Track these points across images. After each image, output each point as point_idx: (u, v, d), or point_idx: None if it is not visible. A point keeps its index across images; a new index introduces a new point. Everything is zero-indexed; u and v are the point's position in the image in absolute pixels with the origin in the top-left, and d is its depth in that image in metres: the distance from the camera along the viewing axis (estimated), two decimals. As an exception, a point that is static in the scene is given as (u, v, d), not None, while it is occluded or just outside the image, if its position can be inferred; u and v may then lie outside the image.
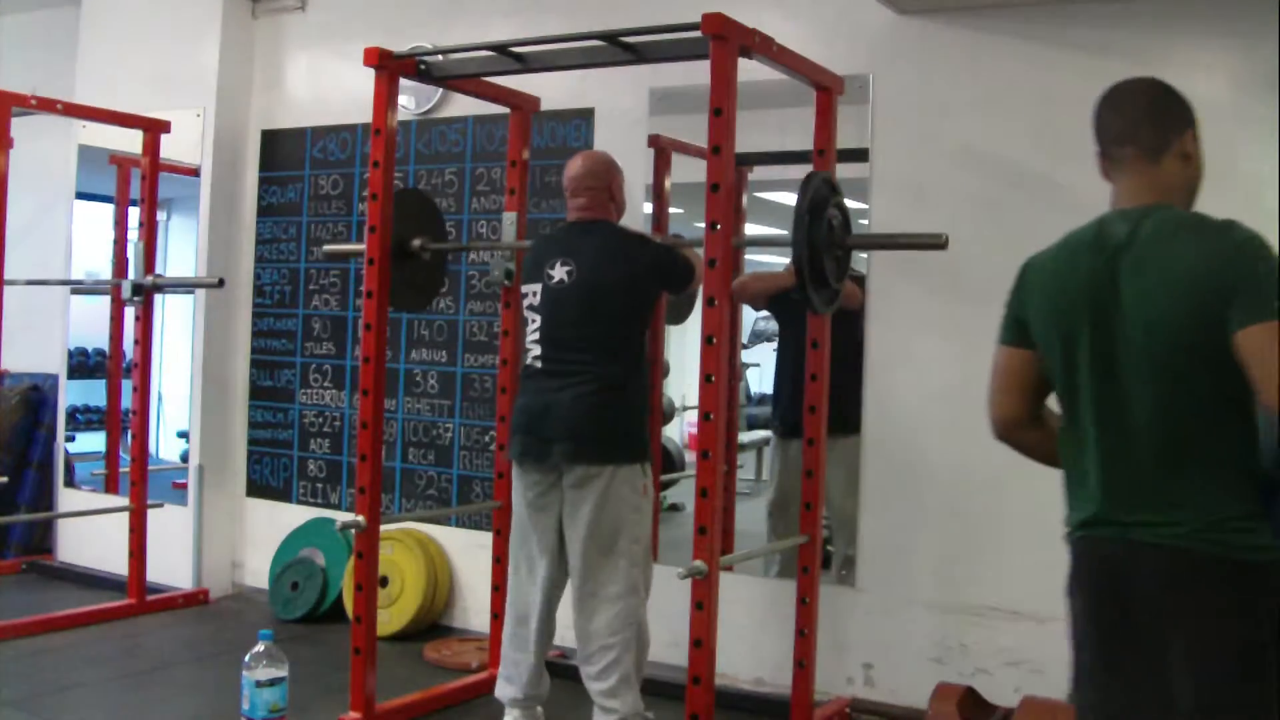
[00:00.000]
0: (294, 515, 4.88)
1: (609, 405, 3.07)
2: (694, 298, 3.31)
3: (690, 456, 4.59)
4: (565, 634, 3.34)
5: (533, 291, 3.19)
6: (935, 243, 2.89)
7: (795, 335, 3.56)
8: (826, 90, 3.24)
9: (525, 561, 3.23)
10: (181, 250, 5.10)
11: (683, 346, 4.18)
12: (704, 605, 2.70)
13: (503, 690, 3.27)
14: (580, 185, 3.23)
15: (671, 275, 3.21)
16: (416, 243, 3.58)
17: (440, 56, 3.49)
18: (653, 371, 4.11)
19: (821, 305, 2.98)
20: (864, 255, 3.73)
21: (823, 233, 2.88)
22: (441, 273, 3.83)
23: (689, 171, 3.78)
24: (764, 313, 4.47)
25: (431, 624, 4.45)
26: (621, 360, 3.10)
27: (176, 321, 5.07)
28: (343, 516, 4.12)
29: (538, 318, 3.16)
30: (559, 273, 3.14)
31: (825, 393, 3.26)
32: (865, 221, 3.71)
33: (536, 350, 3.15)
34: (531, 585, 3.22)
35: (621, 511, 3.04)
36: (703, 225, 2.75)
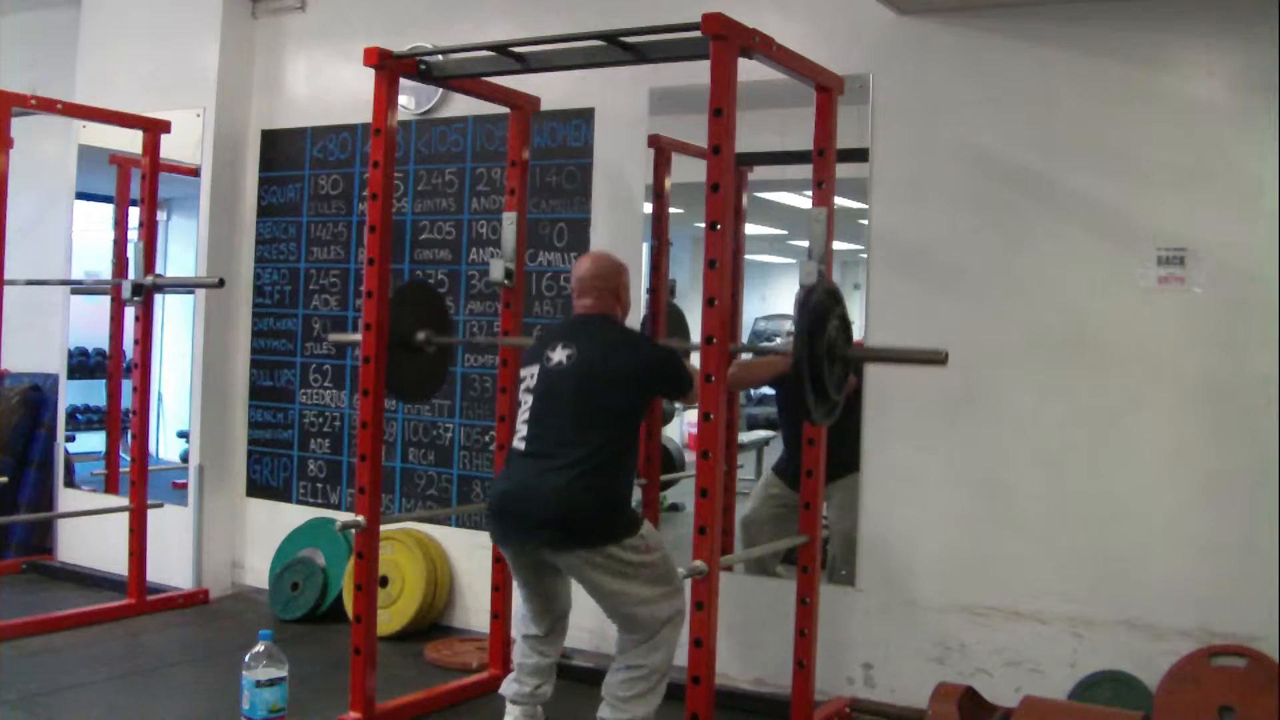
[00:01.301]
0: (294, 515, 4.88)
1: (590, 491, 2.97)
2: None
3: (690, 456, 4.59)
4: (569, 635, 3.34)
5: (530, 374, 3.16)
6: (935, 359, 2.91)
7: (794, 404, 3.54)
8: (826, 90, 3.24)
9: (522, 592, 3.27)
10: (181, 250, 5.10)
11: (683, 346, 4.18)
12: (704, 605, 2.70)
13: (507, 687, 3.29)
14: (587, 285, 3.23)
15: (671, 381, 3.13)
16: (421, 335, 3.60)
17: (440, 56, 3.49)
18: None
19: (821, 418, 2.97)
20: (864, 256, 3.74)
21: (824, 346, 2.88)
22: (445, 366, 3.81)
23: (689, 171, 3.78)
24: (764, 313, 4.47)
25: (431, 624, 4.45)
26: (608, 447, 3.02)
27: (176, 321, 5.07)
28: (343, 516, 4.13)
29: (530, 399, 3.13)
30: (559, 355, 3.11)
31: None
32: (865, 221, 3.72)
33: (524, 431, 3.10)
34: (531, 609, 3.26)
35: (626, 575, 3.01)
36: (703, 225, 2.74)
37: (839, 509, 3.75)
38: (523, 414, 3.13)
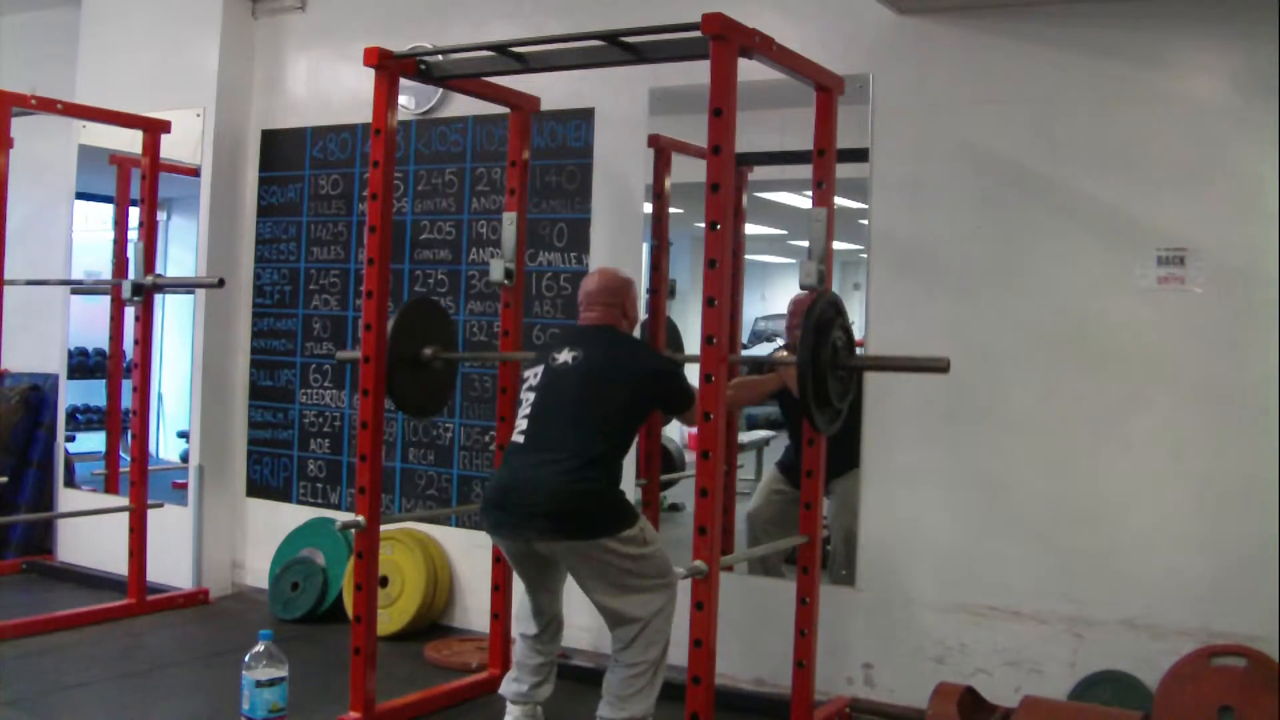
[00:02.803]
0: (294, 515, 4.88)
1: (586, 483, 3.00)
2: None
3: (690, 456, 4.59)
4: (568, 635, 3.35)
5: (534, 373, 3.22)
6: (937, 366, 2.94)
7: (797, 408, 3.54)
8: (827, 90, 3.24)
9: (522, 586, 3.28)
10: (181, 250, 5.10)
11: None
12: (704, 605, 2.70)
13: (507, 687, 3.30)
14: (595, 300, 3.29)
15: (674, 395, 3.19)
16: (428, 351, 3.64)
17: (440, 56, 3.48)
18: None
19: (824, 426, 3.02)
20: (864, 256, 3.74)
21: (827, 354, 2.92)
22: (452, 380, 3.88)
23: (689, 171, 3.78)
24: (764, 313, 4.47)
25: (431, 624, 4.45)
26: (605, 445, 3.06)
27: (176, 321, 5.07)
28: (343, 516, 4.13)
29: (533, 395, 3.17)
30: (565, 356, 3.17)
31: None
32: (865, 221, 3.71)
33: (524, 426, 3.14)
34: (530, 601, 3.27)
35: (623, 567, 3.02)
36: (703, 225, 2.74)
37: (839, 505, 3.75)
38: (524, 410, 3.17)
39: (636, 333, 3.46)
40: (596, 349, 3.16)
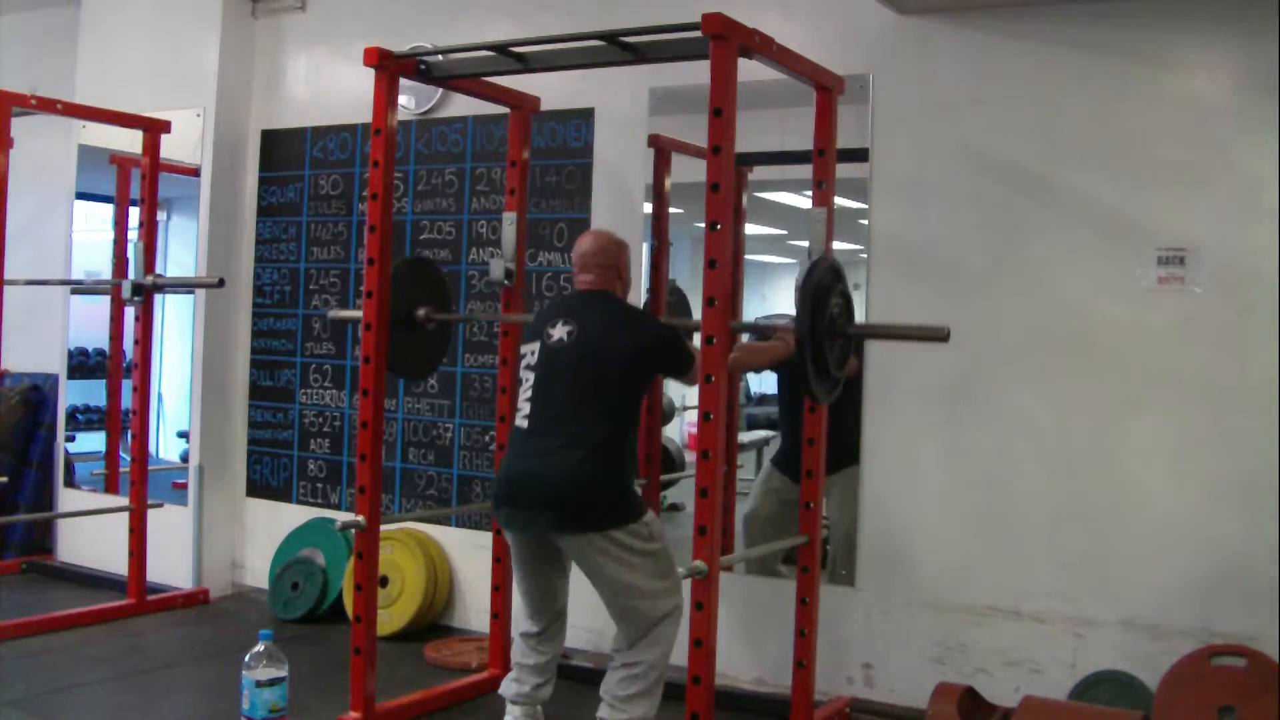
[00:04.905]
0: (294, 515, 4.88)
1: (596, 472, 2.99)
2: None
3: (690, 456, 4.59)
4: (570, 635, 3.35)
5: (530, 350, 3.18)
6: (937, 335, 2.90)
7: (795, 384, 3.51)
8: (826, 90, 3.24)
9: (522, 585, 3.26)
10: (181, 250, 5.10)
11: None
12: (704, 605, 2.70)
13: (506, 687, 3.29)
14: (589, 262, 3.23)
15: (673, 359, 3.15)
16: (421, 312, 3.61)
17: (440, 56, 3.49)
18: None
19: (823, 396, 2.98)
20: (864, 256, 3.74)
21: (825, 322, 2.89)
22: (445, 342, 3.84)
23: (689, 171, 3.78)
24: (764, 313, 4.46)
25: (431, 624, 4.45)
26: (611, 425, 3.04)
27: (176, 321, 5.07)
28: (343, 516, 4.13)
29: (532, 376, 3.14)
30: (559, 332, 3.12)
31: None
32: (865, 221, 3.72)
33: (526, 409, 3.11)
34: (530, 604, 3.26)
35: (629, 563, 3.01)
36: (703, 225, 2.74)
37: (839, 506, 3.74)
38: (524, 391, 3.15)
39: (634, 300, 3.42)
40: (591, 323, 3.10)
